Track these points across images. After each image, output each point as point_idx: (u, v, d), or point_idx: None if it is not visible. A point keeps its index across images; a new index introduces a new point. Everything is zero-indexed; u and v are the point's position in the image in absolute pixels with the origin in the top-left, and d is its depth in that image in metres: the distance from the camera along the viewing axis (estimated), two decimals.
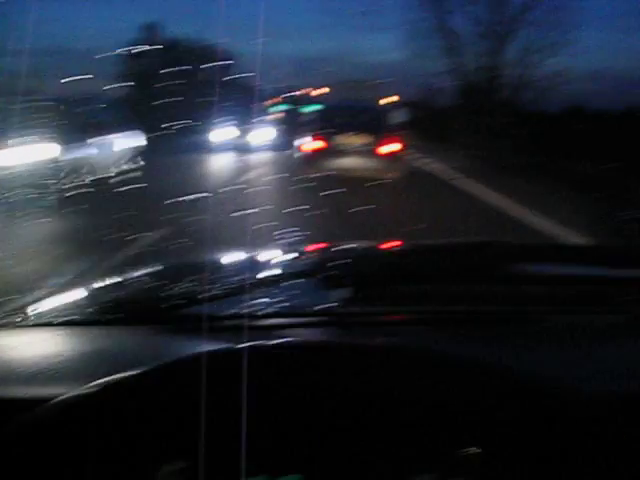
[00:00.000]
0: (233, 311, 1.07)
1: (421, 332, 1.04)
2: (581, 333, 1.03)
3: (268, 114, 62.89)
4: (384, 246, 1.74)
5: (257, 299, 1.10)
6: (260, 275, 1.26)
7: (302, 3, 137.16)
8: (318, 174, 9.98)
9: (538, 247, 1.99)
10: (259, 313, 1.07)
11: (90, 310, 1.16)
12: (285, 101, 67.01)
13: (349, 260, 1.23)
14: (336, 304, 1.09)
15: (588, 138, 13.78)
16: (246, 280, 1.17)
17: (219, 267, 1.46)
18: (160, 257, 4.99)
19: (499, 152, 16.71)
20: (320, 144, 10.38)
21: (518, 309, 1.13)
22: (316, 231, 5.33)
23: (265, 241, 3.48)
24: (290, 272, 1.24)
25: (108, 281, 1.37)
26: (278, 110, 65.77)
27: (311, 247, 1.79)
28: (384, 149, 10.29)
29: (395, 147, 10.40)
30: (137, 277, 1.38)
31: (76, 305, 1.21)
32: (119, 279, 1.39)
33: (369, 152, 10.28)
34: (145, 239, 6.29)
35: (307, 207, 6.88)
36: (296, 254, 1.53)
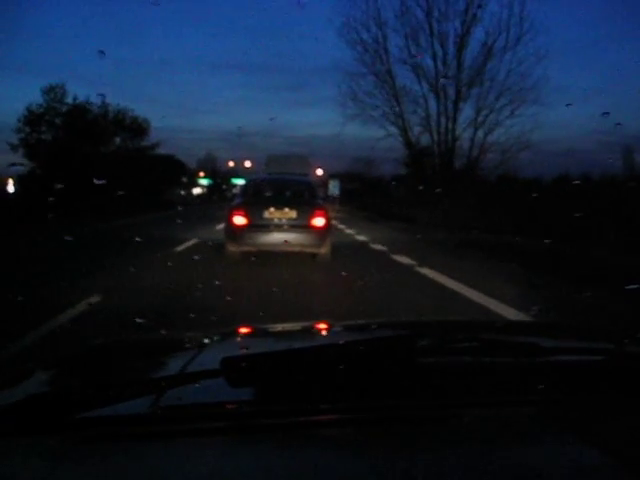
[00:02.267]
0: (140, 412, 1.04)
1: (329, 434, 1.01)
2: (498, 428, 1.02)
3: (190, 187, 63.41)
4: (309, 330, 1.88)
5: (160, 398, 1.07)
6: (165, 369, 1.31)
7: (233, 78, 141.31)
8: (243, 249, 10.09)
9: (454, 327, 1.99)
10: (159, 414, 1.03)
11: None
12: (208, 175, 70.01)
13: (261, 352, 1.25)
14: (236, 405, 1.07)
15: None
16: (156, 373, 1.26)
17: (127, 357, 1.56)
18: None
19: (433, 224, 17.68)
20: (244, 219, 10.07)
21: (434, 404, 1.10)
22: (235, 310, 5.52)
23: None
24: (199, 367, 1.23)
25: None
26: (201, 184, 67.74)
27: (238, 329, 1.82)
28: (312, 222, 10.09)
29: (323, 221, 10.17)
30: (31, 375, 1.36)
31: None
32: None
33: (296, 226, 10.06)
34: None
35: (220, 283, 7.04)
36: (210, 339, 1.59)
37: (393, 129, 24.90)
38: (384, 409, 1.06)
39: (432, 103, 24.14)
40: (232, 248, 10.17)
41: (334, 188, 46.08)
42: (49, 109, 34.63)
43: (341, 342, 1.25)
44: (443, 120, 23.49)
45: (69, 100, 34.91)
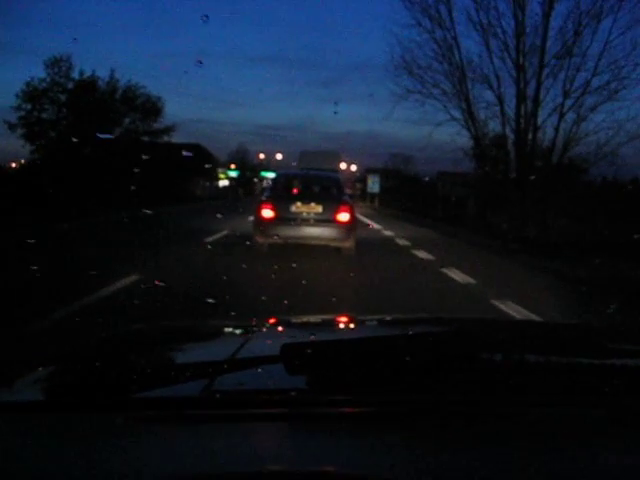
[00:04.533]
0: (189, 395, 1.06)
1: (386, 427, 0.99)
2: (563, 429, 1.00)
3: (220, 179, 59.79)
4: (341, 323, 1.96)
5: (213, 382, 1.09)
6: (218, 354, 1.32)
7: (268, 72, 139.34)
8: (270, 241, 10.35)
9: (511, 328, 2.00)
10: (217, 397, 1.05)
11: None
12: (238, 167, 67.12)
13: (311, 342, 1.24)
14: (294, 392, 1.06)
15: None
16: (205, 359, 1.27)
17: (174, 343, 1.62)
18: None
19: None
20: (272, 212, 10.37)
21: (495, 401, 1.09)
22: (269, 301, 5.28)
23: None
24: (247, 354, 1.28)
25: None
26: (230, 176, 64.42)
27: (267, 320, 1.87)
28: (337, 217, 10.34)
29: (348, 216, 10.43)
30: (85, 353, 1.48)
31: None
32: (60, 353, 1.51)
33: (322, 220, 10.33)
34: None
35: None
36: (251, 330, 1.68)
37: (456, 113, 19.66)
38: (441, 403, 1.04)
39: (507, 82, 18.90)
40: (260, 240, 10.44)
41: (373, 184, 40.76)
42: (53, 85, 30.30)
43: (406, 333, 1.24)
44: (522, 103, 18.33)
45: (76, 75, 30.53)
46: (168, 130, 33.86)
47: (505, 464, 0.86)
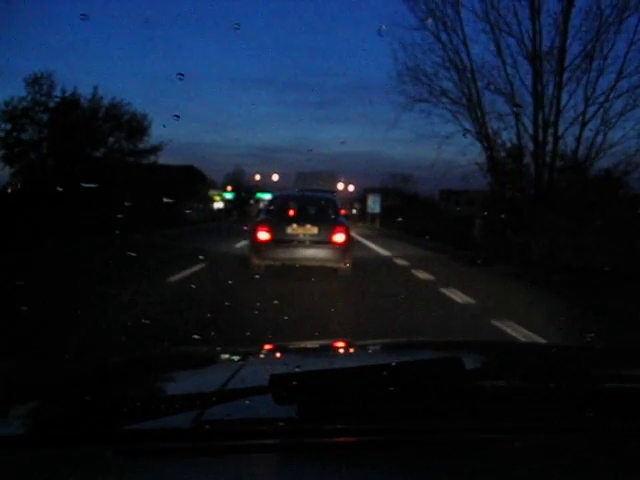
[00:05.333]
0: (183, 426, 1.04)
1: (377, 456, 0.98)
2: (546, 456, 1.00)
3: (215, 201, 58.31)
4: (336, 349, 1.96)
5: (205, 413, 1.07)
6: (209, 384, 1.30)
7: (263, 94, 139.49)
8: (266, 263, 10.43)
9: (498, 350, 2.00)
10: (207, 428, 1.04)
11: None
12: (232, 189, 65.91)
13: (304, 370, 1.24)
14: (284, 423, 1.05)
15: None
16: (196, 388, 1.28)
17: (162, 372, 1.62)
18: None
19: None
20: (268, 234, 10.33)
21: (477, 428, 1.08)
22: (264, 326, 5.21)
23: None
24: (238, 384, 1.26)
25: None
26: (225, 198, 63.10)
27: (262, 347, 1.85)
28: (333, 238, 10.30)
29: (344, 237, 10.36)
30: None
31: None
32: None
33: (318, 242, 10.29)
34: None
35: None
36: (245, 356, 1.68)
37: (466, 124, 17.82)
38: (433, 431, 1.04)
39: (521, 89, 17.12)
40: (256, 262, 10.49)
41: (374, 204, 38.94)
42: (34, 104, 28.50)
43: (392, 363, 1.17)
44: (540, 111, 16.53)
45: (58, 93, 28.73)
46: (155, 150, 31.92)
47: None
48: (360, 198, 61.84)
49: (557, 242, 11.90)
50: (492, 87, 17.46)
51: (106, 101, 30.14)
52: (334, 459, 0.95)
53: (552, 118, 16.70)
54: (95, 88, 29.81)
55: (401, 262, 14.23)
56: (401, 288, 9.58)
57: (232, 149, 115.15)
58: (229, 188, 64.28)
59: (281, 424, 1.04)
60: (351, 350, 1.93)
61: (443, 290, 9.39)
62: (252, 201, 57.97)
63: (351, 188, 51.89)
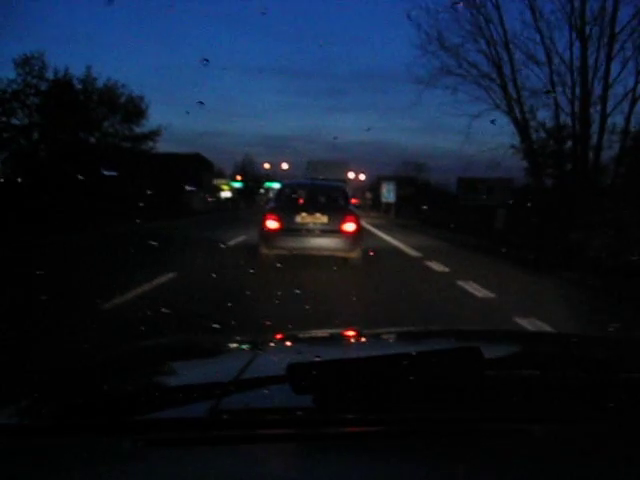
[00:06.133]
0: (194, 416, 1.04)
1: (394, 445, 0.98)
2: (566, 446, 1.00)
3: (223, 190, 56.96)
4: (349, 338, 1.93)
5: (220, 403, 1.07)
6: (225, 374, 1.27)
7: (274, 83, 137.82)
8: (275, 252, 10.19)
9: (513, 340, 2.00)
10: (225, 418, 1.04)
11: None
12: (241, 178, 64.70)
13: (320, 360, 1.19)
14: (301, 412, 1.05)
15: None
16: (209, 378, 1.28)
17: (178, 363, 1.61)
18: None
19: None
20: (277, 223, 10.12)
21: (497, 417, 1.08)
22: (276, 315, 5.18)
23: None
24: (255, 373, 1.26)
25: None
26: (233, 187, 61.75)
27: (275, 336, 1.90)
28: (343, 227, 10.07)
29: (354, 226, 10.12)
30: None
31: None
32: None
33: (327, 231, 10.07)
34: None
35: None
36: (259, 345, 1.66)
37: (497, 101, 15.66)
38: (453, 420, 1.05)
39: (559, 62, 14.94)
40: (265, 251, 10.31)
41: (388, 193, 36.70)
42: (25, 86, 26.56)
43: (412, 352, 1.15)
44: (587, 86, 14.33)
45: (50, 75, 26.75)
46: (153, 135, 29.86)
47: None
48: (372, 187, 59.92)
49: (624, 238, 9.75)
50: (529, 60, 15.22)
51: (100, 83, 28.19)
52: (352, 448, 0.95)
53: (598, 94, 14.50)
54: (88, 68, 27.83)
55: (439, 268, 10.71)
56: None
57: (242, 138, 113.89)
58: (238, 177, 63.74)
59: (299, 413, 1.03)
60: (363, 339, 1.92)
61: (520, 321, 6.11)
62: (262, 190, 56.51)
63: (362, 177, 50.35)
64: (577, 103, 14.37)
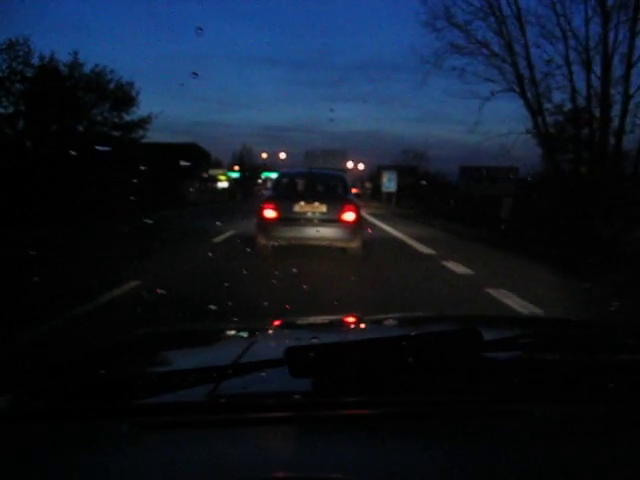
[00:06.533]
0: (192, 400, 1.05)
1: (393, 428, 0.97)
2: (565, 427, 1.01)
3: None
4: (347, 324, 1.91)
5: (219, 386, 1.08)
6: (223, 358, 1.28)
7: (272, 73, 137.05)
8: (273, 242, 9.93)
9: (508, 323, 2.00)
10: (222, 402, 1.05)
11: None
12: (241, 169, 64.12)
13: (318, 343, 1.20)
14: (299, 395, 1.05)
15: None
16: (205, 362, 1.28)
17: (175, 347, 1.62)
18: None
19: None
20: (274, 212, 9.83)
21: (497, 399, 1.08)
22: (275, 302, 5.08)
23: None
24: (252, 358, 1.25)
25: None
26: (231, 177, 61.01)
27: (273, 322, 1.85)
28: (343, 217, 9.79)
29: (353, 215, 9.82)
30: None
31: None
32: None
33: (326, 220, 9.78)
34: None
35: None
36: (259, 331, 1.70)
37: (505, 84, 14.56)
38: (451, 402, 1.04)
39: (574, 41, 13.84)
40: (262, 241, 10.02)
41: (389, 182, 35.47)
42: (9, 73, 25.34)
43: (410, 334, 1.17)
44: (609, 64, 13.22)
45: (36, 61, 25.52)
46: (143, 122, 28.56)
47: (509, 462, 0.87)
48: (371, 177, 59.00)
49: None
50: (543, 37, 14.13)
51: (88, 69, 26.86)
52: (350, 431, 0.94)
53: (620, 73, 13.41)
54: (75, 54, 26.53)
55: (461, 269, 9.10)
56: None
57: (240, 128, 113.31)
58: (236, 167, 62.97)
59: (297, 397, 1.04)
60: (363, 325, 1.91)
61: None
62: (260, 180, 55.63)
63: (361, 166, 49.44)
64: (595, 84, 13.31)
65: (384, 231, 16.38)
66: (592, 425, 1.00)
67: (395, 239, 14.29)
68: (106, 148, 24.65)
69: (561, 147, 14.50)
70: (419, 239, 13.69)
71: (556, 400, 1.07)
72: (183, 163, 34.24)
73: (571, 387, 1.12)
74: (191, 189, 40.12)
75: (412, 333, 1.15)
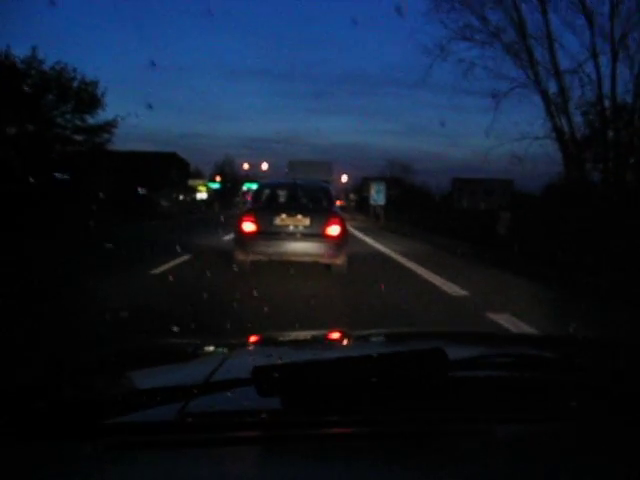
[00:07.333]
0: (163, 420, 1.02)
1: (358, 447, 0.98)
2: (529, 445, 1.00)
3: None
4: (327, 340, 1.90)
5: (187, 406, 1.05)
6: (193, 377, 1.26)
7: (256, 85, 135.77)
8: (252, 257, 9.27)
9: (476, 340, 1.99)
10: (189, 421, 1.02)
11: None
12: (222, 180, 62.34)
13: (289, 362, 1.18)
14: (266, 415, 1.03)
15: None
16: (177, 380, 1.25)
17: (145, 365, 1.57)
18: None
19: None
20: (254, 226, 9.10)
21: (462, 418, 1.07)
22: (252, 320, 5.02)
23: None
24: (223, 376, 1.24)
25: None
26: (211, 188, 59.16)
27: (248, 338, 1.84)
28: (327, 231, 9.09)
29: (339, 229, 9.14)
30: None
31: None
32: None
33: (310, 235, 9.09)
34: None
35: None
36: (230, 347, 1.68)
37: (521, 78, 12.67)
38: (416, 422, 1.04)
39: (603, 25, 11.97)
40: (241, 257, 9.32)
41: (378, 195, 33.25)
42: None
43: (374, 354, 1.14)
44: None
45: None
46: (108, 126, 26.10)
47: None
48: (356, 189, 57.26)
49: None
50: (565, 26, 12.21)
51: (48, 67, 24.40)
52: (318, 450, 0.95)
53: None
54: (34, 49, 24.05)
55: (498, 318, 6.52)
56: None
57: (224, 140, 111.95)
58: (218, 178, 61.57)
59: (264, 416, 1.03)
60: (338, 341, 1.91)
61: None
62: (244, 189, 53.85)
63: (344, 178, 47.65)
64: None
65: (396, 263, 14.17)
66: (556, 442, 1.00)
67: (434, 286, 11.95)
68: (65, 177, 22.88)
69: (595, 151, 12.54)
70: (450, 280, 11.33)
71: (520, 419, 1.07)
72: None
73: (534, 405, 1.12)
74: (162, 201, 37.88)
75: (375, 353, 1.12)
